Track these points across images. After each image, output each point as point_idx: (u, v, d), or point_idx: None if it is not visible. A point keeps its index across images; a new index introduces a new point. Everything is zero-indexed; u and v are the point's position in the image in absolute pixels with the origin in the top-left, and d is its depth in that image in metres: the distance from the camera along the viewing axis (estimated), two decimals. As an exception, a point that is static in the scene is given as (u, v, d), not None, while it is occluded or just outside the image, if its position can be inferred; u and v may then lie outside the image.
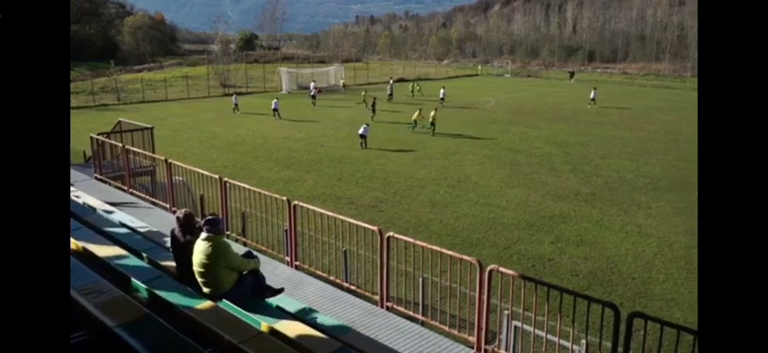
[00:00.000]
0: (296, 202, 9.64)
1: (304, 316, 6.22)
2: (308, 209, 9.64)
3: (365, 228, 8.70)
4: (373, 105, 37.99)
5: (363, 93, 47.93)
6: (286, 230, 9.83)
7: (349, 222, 9.01)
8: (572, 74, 78.33)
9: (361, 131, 29.12)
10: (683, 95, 53.49)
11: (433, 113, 33.04)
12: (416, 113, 34.33)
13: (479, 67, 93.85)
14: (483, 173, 23.98)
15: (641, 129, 35.58)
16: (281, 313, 6.17)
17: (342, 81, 58.95)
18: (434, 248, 7.94)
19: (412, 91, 54.45)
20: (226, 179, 11.12)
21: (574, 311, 7.25)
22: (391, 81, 58.17)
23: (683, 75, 79.39)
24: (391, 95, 50.98)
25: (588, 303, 6.49)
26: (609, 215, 18.35)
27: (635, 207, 19.27)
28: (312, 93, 47.26)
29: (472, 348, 7.30)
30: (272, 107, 39.44)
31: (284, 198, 9.82)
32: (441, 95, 46.85)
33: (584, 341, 6.85)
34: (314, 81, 53.07)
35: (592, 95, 47.93)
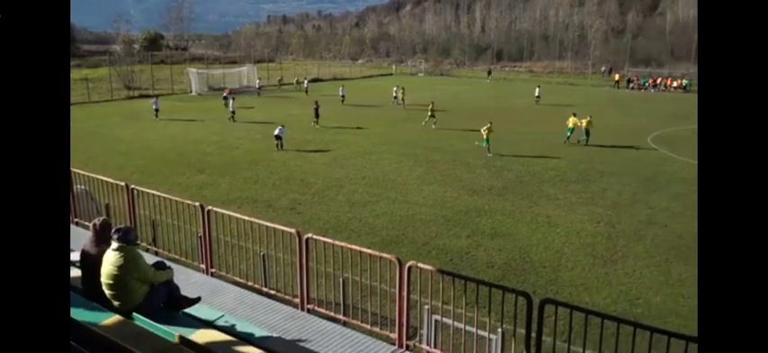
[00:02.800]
0: (210, 207, 9.32)
1: (222, 324, 6.02)
2: (223, 214, 9.35)
3: (283, 230, 8.56)
4: (316, 111, 35.87)
5: (305, 84, 52.96)
6: (200, 237, 9.48)
7: (266, 226, 8.82)
8: (489, 72, 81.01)
9: (276, 133, 28.64)
10: (585, 91, 56.67)
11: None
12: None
13: (393, 66, 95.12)
14: (400, 171, 24.29)
15: (552, 123, 37.37)
16: (196, 323, 5.94)
17: (258, 82, 57.90)
18: (354, 247, 7.94)
19: (306, 91, 55.93)
20: (133, 186, 10.57)
21: (490, 301, 7.49)
22: (306, 81, 58.61)
23: (584, 72, 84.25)
24: (307, 92, 54.36)
25: (503, 293, 6.73)
26: (520, 208, 19.12)
27: (544, 199, 20.21)
28: (225, 94, 45.93)
29: (394, 344, 7.36)
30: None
31: (197, 204, 9.46)
32: (341, 93, 48.72)
33: (500, 330, 7.09)
34: (228, 85, 52.16)
35: (536, 92, 51.03)
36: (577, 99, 50.70)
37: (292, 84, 62.56)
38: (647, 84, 67.84)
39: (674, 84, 66.11)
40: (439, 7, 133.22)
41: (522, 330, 6.57)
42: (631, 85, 68.26)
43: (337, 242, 8.05)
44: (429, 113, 35.63)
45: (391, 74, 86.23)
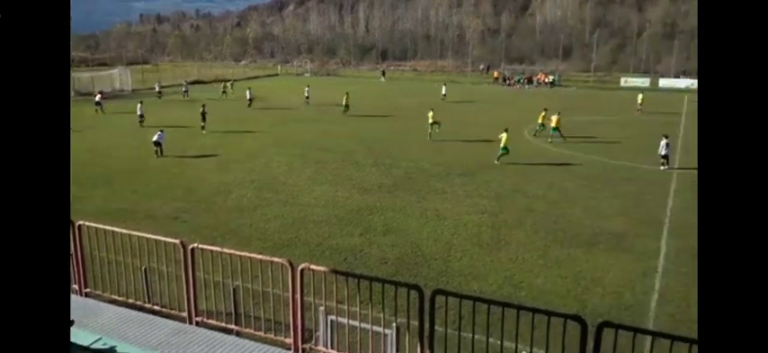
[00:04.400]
0: (81, 222, 8.60)
1: (99, 347, 5.57)
2: (97, 228, 8.66)
3: (166, 241, 8.09)
4: (203, 114, 34.01)
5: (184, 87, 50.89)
6: (71, 255, 8.72)
7: (147, 238, 8.29)
8: (383, 73, 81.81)
9: (155, 139, 27.05)
10: (468, 89, 59.18)
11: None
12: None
13: (279, 66, 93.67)
14: (290, 172, 23.95)
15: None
16: (71, 348, 5.43)
17: (157, 85, 54.74)
18: (243, 254, 7.69)
19: (224, 91, 54.38)
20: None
21: (383, 297, 7.57)
22: (185, 83, 56.53)
23: (464, 70, 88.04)
24: (186, 92, 53.93)
25: (395, 288, 6.83)
26: (410, 203, 19.58)
27: (432, 193, 20.84)
28: (97, 99, 42.71)
29: (290, 349, 7.22)
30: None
31: (67, 219, 8.67)
32: (248, 96, 46.58)
33: (394, 324, 7.20)
34: (98, 88, 48.56)
35: (443, 91, 52.88)
36: (476, 96, 52.93)
37: (182, 85, 59.19)
38: (521, 80, 72.26)
39: (547, 80, 71.05)
40: (322, 7, 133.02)
41: (415, 323, 6.70)
42: (508, 81, 72.39)
43: (226, 250, 7.75)
44: (430, 121, 32.54)
45: (277, 74, 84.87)
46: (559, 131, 31.02)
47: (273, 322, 7.92)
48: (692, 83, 66.42)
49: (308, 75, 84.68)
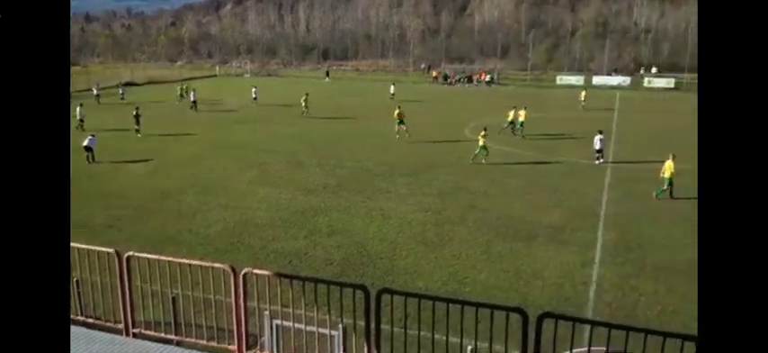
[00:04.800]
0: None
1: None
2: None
3: (99, 251, 7.72)
4: (137, 118, 32.39)
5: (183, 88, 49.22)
6: None
7: (79, 248, 7.89)
8: (327, 73, 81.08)
9: (85, 143, 25.83)
10: (410, 88, 59.58)
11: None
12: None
13: (217, 67, 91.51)
14: (232, 176, 23.44)
15: (378, 119, 38.70)
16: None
17: (95, 88, 52.11)
18: (183, 260, 7.44)
19: (180, 93, 51.58)
20: None
21: (328, 298, 7.50)
22: (121, 85, 54.78)
23: (405, 70, 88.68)
24: (123, 95, 52.60)
25: (341, 289, 6.77)
26: (355, 203, 19.54)
27: (377, 193, 20.88)
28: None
29: (234, 356, 7.04)
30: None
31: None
32: (192, 98, 45.04)
33: (340, 326, 7.14)
34: None
35: (392, 90, 53.25)
36: (421, 95, 53.25)
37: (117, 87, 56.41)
38: (462, 79, 73.50)
39: (485, 78, 72.57)
40: (261, 7, 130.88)
41: (362, 323, 6.67)
42: (448, 80, 73.46)
43: (163, 257, 7.47)
44: (397, 121, 31.83)
45: (215, 75, 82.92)
46: (523, 125, 32.39)
47: (216, 330, 7.70)
48: (623, 80, 69.45)
49: (247, 76, 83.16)
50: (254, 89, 49.54)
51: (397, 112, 32.26)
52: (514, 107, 33.90)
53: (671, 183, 19.88)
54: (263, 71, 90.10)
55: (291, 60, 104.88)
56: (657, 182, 22.16)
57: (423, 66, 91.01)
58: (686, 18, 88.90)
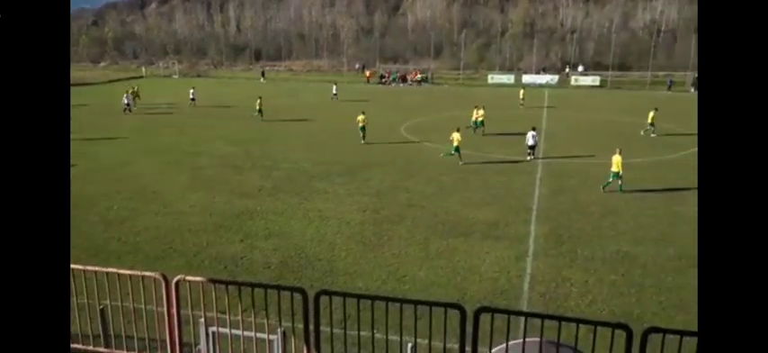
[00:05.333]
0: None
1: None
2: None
3: (18, 264, 7.25)
4: None
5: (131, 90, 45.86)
6: None
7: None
8: (263, 73, 79.45)
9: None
10: (344, 88, 59.33)
11: None
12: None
13: (143, 68, 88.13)
14: (163, 180, 22.63)
15: (314, 120, 38.41)
16: None
17: None
18: (111, 270, 7.11)
19: (136, 96, 47.68)
20: None
21: (266, 302, 7.37)
22: None
23: (339, 70, 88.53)
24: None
25: (278, 292, 6.67)
26: (292, 205, 19.30)
27: (315, 194, 20.70)
28: None
29: (168, 367, 6.80)
30: None
31: None
32: (125, 101, 42.74)
33: (279, 329, 7.03)
34: None
35: (334, 90, 53.10)
36: (361, 95, 53.11)
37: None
38: (396, 79, 74.10)
39: (417, 77, 73.49)
40: (189, 6, 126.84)
41: (301, 326, 6.59)
42: (383, 80, 73.88)
43: (89, 267, 7.12)
44: (361, 125, 30.44)
45: (141, 77, 79.81)
46: (483, 124, 33.23)
47: (148, 340, 7.42)
48: (551, 78, 72.08)
49: (176, 77, 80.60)
50: (191, 90, 47.99)
51: (360, 117, 30.93)
52: (476, 107, 34.58)
53: (618, 176, 20.62)
54: (193, 72, 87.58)
55: (222, 61, 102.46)
56: (587, 176, 23.15)
57: (357, 66, 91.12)
58: (609, 18, 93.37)
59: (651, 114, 33.26)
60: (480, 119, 33.37)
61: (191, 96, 47.15)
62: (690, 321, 11.25)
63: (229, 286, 6.90)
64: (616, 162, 20.68)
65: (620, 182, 20.61)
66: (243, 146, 29.57)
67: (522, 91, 49.00)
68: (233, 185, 21.82)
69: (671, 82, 63.69)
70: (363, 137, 30.26)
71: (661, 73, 71.23)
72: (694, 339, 4.52)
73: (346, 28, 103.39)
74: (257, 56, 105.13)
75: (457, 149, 25.36)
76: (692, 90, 61.82)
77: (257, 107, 39.23)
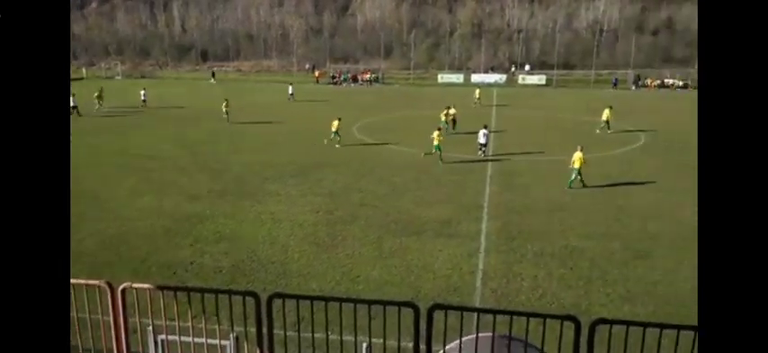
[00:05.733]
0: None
1: None
2: None
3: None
4: None
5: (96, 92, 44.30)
6: None
7: None
8: (213, 74, 77.53)
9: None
10: (295, 89, 58.77)
11: None
12: None
13: (83, 69, 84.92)
14: (108, 184, 21.85)
15: (268, 121, 37.87)
16: None
17: None
18: (52, 280, 6.79)
19: (100, 98, 44.75)
20: None
21: (218, 307, 7.22)
22: None
23: (289, 70, 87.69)
24: None
25: (229, 297, 6.54)
26: (243, 208, 18.98)
27: (266, 196, 20.42)
28: None
29: (114, 379, 6.56)
30: None
31: None
32: (71, 102, 40.41)
33: (232, 335, 6.89)
34: None
35: (290, 90, 52.99)
36: (314, 96, 52.57)
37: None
38: (347, 79, 73.98)
39: (367, 77, 73.62)
40: (131, 5, 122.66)
41: (254, 330, 6.48)
42: (335, 80, 73.64)
43: (29, 278, 6.79)
44: (334, 129, 29.48)
45: (82, 78, 76.85)
46: (455, 123, 34.15)
47: (94, 351, 7.14)
48: (499, 77, 73.49)
49: (119, 77, 78.06)
50: (142, 91, 46.52)
51: (335, 122, 29.91)
52: (447, 107, 34.91)
53: (579, 173, 21.09)
54: (137, 73, 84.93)
55: (167, 61, 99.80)
56: (537, 173, 23.71)
57: (307, 66, 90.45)
58: (553, 18, 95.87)
59: (606, 112, 34.22)
60: (452, 118, 34.23)
61: (142, 98, 45.68)
62: (636, 311, 11.71)
63: (179, 292, 6.71)
64: (577, 159, 21.18)
65: (574, 177, 21.14)
66: (193, 148, 28.88)
67: (477, 90, 49.72)
68: (182, 188, 21.29)
69: (616, 81, 66.02)
70: (338, 142, 29.45)
71: (604, 71, 73.74)
72: (639, 329, 4.71)
73: (295, 28, 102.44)
74: (204, 56, 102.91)
75: (438, 147, 25.58)
76: (633, 88, 64.43)
77: (224, 110, 37.80)
